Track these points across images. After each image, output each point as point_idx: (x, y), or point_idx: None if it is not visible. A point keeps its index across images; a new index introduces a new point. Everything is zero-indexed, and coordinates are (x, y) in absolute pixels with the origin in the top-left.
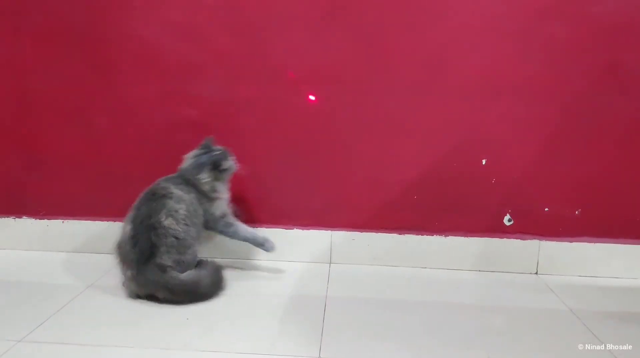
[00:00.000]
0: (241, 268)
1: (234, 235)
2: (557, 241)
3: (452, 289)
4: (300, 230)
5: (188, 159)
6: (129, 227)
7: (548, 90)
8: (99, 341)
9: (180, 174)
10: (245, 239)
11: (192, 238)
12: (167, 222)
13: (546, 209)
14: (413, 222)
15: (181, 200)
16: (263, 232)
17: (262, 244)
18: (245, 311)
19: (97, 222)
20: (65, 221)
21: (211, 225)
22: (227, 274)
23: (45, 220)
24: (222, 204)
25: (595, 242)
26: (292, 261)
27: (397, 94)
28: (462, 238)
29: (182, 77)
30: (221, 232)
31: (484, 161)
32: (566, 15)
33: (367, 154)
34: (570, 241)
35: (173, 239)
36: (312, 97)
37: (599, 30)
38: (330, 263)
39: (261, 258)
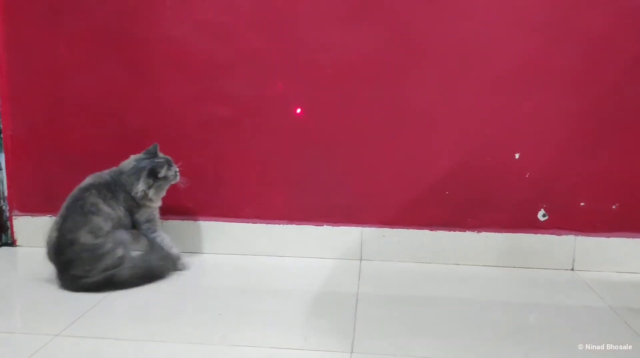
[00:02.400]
0: (271, 266)
1: (153, 241)
2: (593, 236)
3: (486, 286)
4: (331, 227)
5: (130, 162)
6: (54, 234)
7: (582, 82)
8: (134, 336)
9: (116, 176)
10: (160, 248)
11: (114, 244)
12: (85, 239)
13: (582, 204)
14: (445, 218)
15: (108, 218)
16: (293, 229)
17: (174, 259)
18: (276, 308)
19: None
20: None
21: (135, 226)
22: (256, 273)
23: None
24: (150, 211)
25: (633, 237)
26: (323, 258)
27: (428, 89)
28: (496, 234)
29: (213, 75)
30: (144, 235)
31: (517, 156)
32: (600, 5)
33: (398, 149)
34: (608, 237)
35: (88, 253)
36: (298, 111)
37: (634, 19)
38: (360, 259)
39: (290, 255)
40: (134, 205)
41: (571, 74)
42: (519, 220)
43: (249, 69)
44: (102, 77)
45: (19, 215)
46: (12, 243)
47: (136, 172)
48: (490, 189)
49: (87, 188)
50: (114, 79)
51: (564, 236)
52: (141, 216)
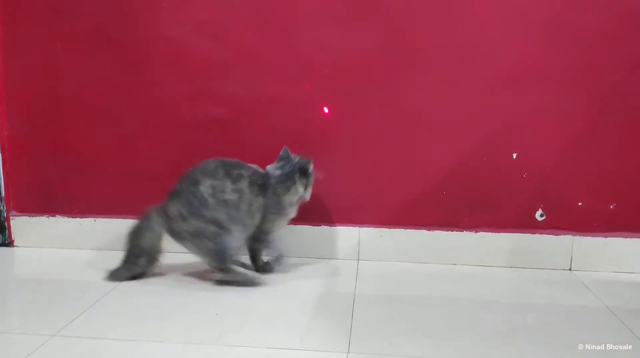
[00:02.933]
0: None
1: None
2: (591, 236)
3: (483, 286)
4: (328, 227)
5: (274, 170)
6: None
7: (579, 82)
8: (131, 336)
9: (268, 174)
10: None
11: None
12: (204, 187)
13: (580, 203)
14: (442, 218)
15: (239, 200)
16: (290, 229)
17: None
18: (273, 308)
19: (128, 220)
20: (97, 219)
21: (257, 233)
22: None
23: (78, 218)
24: (285, 221)
25: (631, 237)
26: (320, 258)
27: (425, 89)
28: (493, 234)
29: (209, 75)
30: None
31: (514, 155)
32: (597, 4)
33: (394, 149)
34: (605, 237)
35: (194, 204)
36: (325, 110)
37: (631, 18)
38: (358, 259)
39: (287, 256)
40: (274, 211)
41: (568, 74)
42: (516, 220)
43: (245, 69)
44: (99, 77)
45: (16, 215)
46: (9, 244)
47: (288, 177)
48: (488, 189)
49: (240, 176)
50: (111, 79)
51: (561, 236)
52: (273, 225)
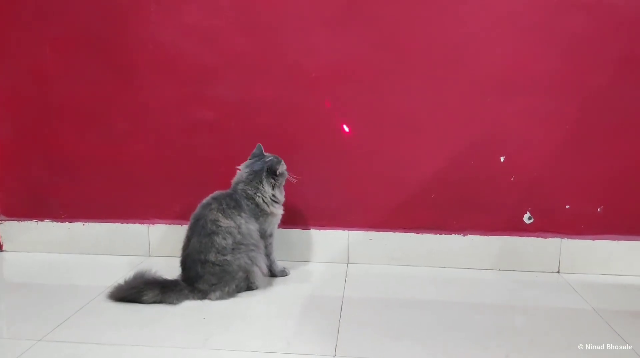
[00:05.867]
0: None
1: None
2: (579, 239)
3: (471, 289)
4: (317, 230)
5: (243, 171)
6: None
7: (567, 85)
8: (117, 340)
9: (235, 189)
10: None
11: (242, 262)
12: (214, 257)
13: (567, 206)
14: (431, 221)
15: (227, 233)
16: (280, 233)
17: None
18: (261, 311)
19: (117, 224)
20: (86, 223)
21: (262, 236)
22: None
23: (67, 223)
24: (275, 221)
25: (618, 240)
26: (309, 262)
27: (413, 93)
28: (481, 237)
29: (198, 79)
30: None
31: (502, 159)
32: (585, 8)
33: (383, 153)
34: (593, 239)
35: (217, 268)
36: (346, 129)
37: (618, 23)
38: (347, 263)
39: (277, 259)
40: (260, 215)
41: (556, 78)
42: (504, 223)
43: (234, 73)
44: (88, 81)
45: (5, 220)
46: None
47: (255, 176)
48: (476, 193)
49: (208, 207)
50: (100, 83)
51: (549, 239)
52: (268, 227)
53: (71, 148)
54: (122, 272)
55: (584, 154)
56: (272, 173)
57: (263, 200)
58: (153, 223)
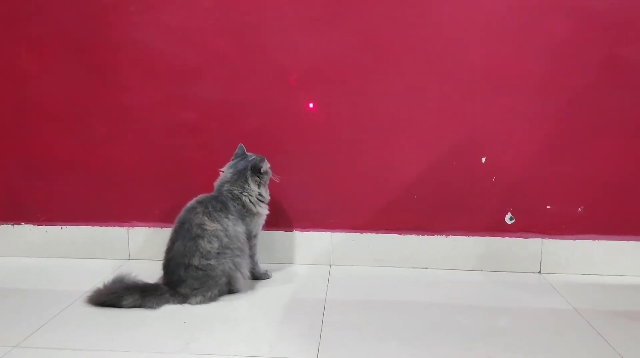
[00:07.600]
0: None
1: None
2: (560, 239)
3: (453, 289)
4: (300, 232)
5: (226, 172)
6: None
7: (548, 86)
8: (95, 346)
9: (220, 191)
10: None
11: (226, 267)
12: (197, 262)
13: (548, 207)
14: (413, 222)
15: (214, 236)
16: (263, 235)
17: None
18: (243, 314)
19: (95, 228)
20: (64, 227)
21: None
22: None
23: (44, 226)
24: (260, 221)
25: (599, 240)
26: (292, 264)
27: (396, 94)
28: (464, 237)
29: (180, 80)
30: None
31: (483, 160)
32: (566, 11)
33: (366, 154)
34: (574, 239)
35: (201, 272)
36: (311, 105)
37: (599, 25)
38: (330, 265)
39: (261, 261)
40: (247, 215)
41: (537, 79)
42: (486, 224)
43: (216, 74)
44: (66, 82)
45: None
46: None
47: (240, 175)
48: (458, 193)
49: (193, 210)
50: (79, 84)
51: (531, 239)
52: (254, 227)
53: (48, 149)
54: (101, 276)
55: (564, 155)
56: (256, 171)
57: (250, 199)
58: (133, 226)
